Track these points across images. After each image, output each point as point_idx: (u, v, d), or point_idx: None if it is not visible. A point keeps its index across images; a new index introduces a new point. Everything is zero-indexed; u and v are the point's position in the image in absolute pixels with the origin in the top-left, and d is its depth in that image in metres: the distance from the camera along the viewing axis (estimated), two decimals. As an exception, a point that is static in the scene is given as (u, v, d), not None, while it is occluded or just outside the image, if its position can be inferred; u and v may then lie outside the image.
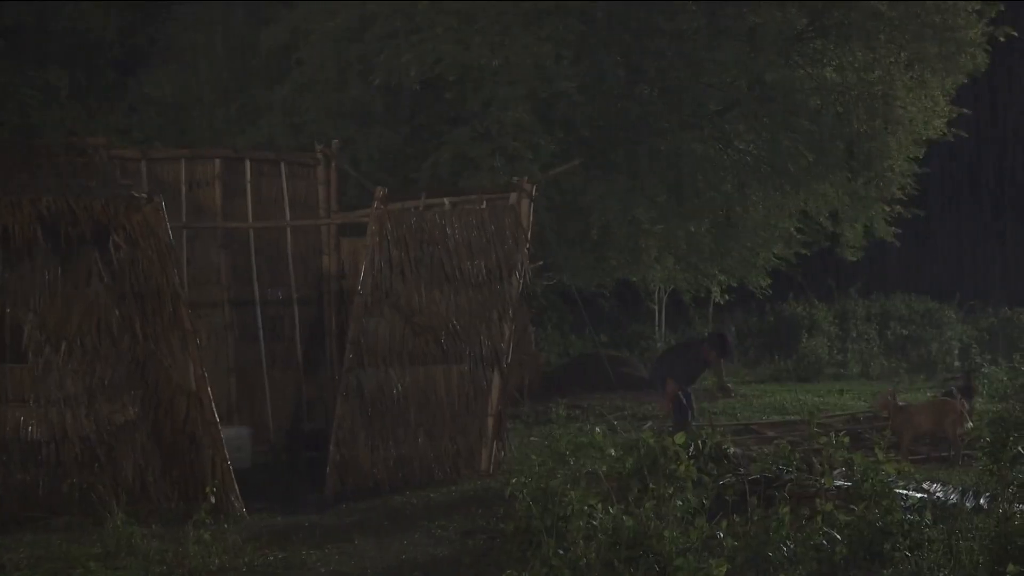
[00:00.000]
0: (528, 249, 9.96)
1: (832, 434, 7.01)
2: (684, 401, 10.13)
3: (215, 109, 14.83)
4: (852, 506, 6.21)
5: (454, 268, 9.52)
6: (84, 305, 8.06)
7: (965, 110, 15.69)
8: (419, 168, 12.57)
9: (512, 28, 12.26)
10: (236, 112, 14.35)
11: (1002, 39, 14.90)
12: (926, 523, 6.03)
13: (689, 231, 14.26)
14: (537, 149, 12.26)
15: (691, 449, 7.06)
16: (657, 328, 19.58)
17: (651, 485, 6.16)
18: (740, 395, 14.91)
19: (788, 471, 7.11)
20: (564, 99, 12.62)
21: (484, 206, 10.02)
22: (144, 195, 8.34)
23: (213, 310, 10.66)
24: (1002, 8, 14.83)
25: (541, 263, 12.14)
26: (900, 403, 10.40)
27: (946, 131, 15.40)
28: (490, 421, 9.65)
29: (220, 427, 8.35)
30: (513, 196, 9.99)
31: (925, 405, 10.56)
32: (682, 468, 6.25)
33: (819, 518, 5.96)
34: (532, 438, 11.22)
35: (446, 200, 10.33)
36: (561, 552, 5.74)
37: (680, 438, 6.43)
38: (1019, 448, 6.39)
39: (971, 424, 9.69)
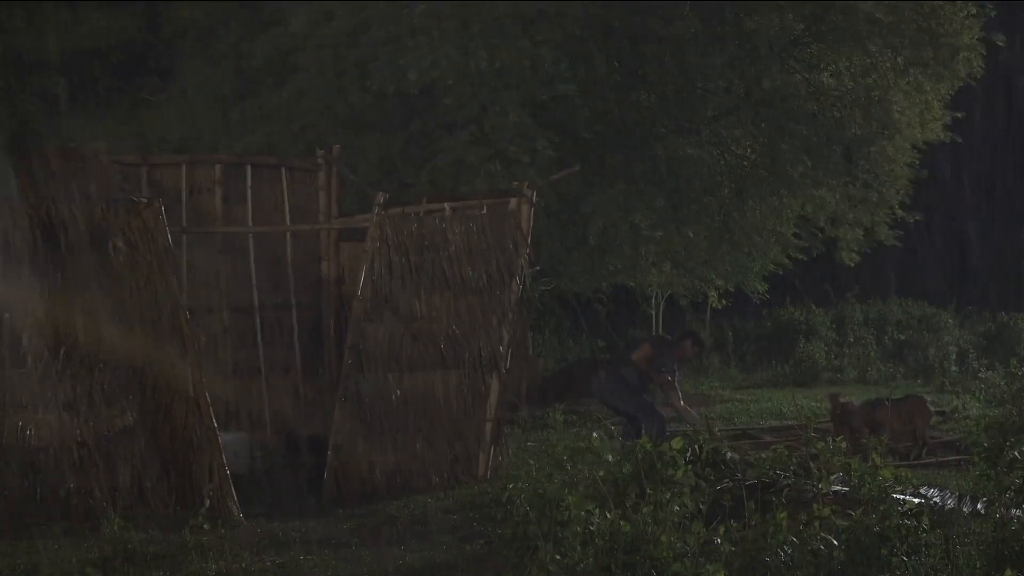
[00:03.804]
0: (528, 254, 9.97)
1: (829, 439, 7.02)
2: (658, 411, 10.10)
3: (212, 115, 14.80)
4: (849, 511, 6.22)
5: (455, 273, 9.52)
6: (83, 310, 8.07)
7: (960, 114, 15.75)
8: (417, 174, 12.57)
9: (509, 31, 12.27)
10: (236, 118, 14.33)
11: (1000, 43, 14.95)
12: (923, 528, 6.03)
13: (687, 236, 14.27)
14: (535, 154, 12.26)
15: (688, 454, 7.06)
16: (654, 333, 19.55)
17: (648, 490, 6.16)
18: (737, 400, 14.92)
19: (785, 476, 7.11)
20: (562, 102, 12.61)
21: (484, 211, 10.03)
22: (144, 199, 8.34)
23: (212, 315, 10.66)
24: (993, 13, 14.89)
25: (538, 268, 12.14)
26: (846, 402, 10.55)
27: (942, 135, 15.46)
28: (488, 426, 9.66)
29: (218, 432, 8.36)
30: (513, 201, 10.00)
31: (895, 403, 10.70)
32: (679, 473, 6.25)
33: (816, 523, 5.95)
34: (529, 443, 11.22)
35: (447, 205, 10.33)
36: (558, 557, 5.75)
37: (677, 443, 6.43)
38: (1016, 453, 6.39)
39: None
